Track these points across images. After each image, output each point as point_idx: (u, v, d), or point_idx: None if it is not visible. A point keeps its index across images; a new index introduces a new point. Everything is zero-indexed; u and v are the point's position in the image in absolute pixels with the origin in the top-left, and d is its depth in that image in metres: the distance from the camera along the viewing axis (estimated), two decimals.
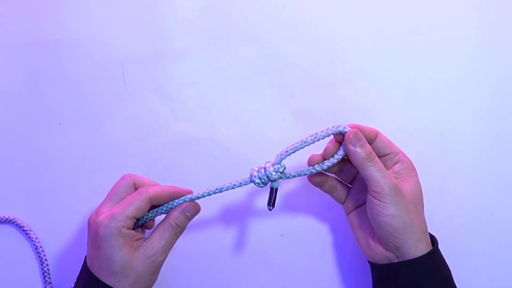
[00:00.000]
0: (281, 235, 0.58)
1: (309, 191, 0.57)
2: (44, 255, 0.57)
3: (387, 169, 0.50)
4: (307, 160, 0.52)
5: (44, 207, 0.57)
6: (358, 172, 0.52)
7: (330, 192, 0.54)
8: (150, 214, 0.50)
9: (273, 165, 0.50)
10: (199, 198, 0.50)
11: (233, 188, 0.51)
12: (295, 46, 0.58)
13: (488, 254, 0.57)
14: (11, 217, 0.57)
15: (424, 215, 0.50)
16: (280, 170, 0.50)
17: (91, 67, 0.58)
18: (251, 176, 0.50)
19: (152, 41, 0.58)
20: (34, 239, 0.57)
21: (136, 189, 0.49)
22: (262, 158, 0.57)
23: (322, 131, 0.50)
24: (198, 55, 0.58)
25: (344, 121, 0.55)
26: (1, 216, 0.57)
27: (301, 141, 0.50)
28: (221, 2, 0.58)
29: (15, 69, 0.58)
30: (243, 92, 0.58)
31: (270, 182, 0.50)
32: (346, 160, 0.52)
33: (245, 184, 0.51)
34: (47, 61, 0.58)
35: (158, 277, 0.56)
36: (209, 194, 0.50)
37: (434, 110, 0.58)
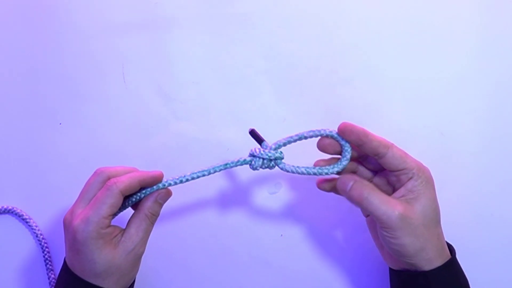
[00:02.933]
0: (281, 235, 0.58)
1: (309, 192, 0.57)
2: (45, 243, 0.57)
3: (400, 185, 0.48)
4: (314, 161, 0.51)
5: (44, 207, 0.57)
6: (375, 175, 0.51)
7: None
8: (125, 204, 0.49)
9: (274, 148, 0.50)
10: (171, 185, 0.49)
11: (230, 167, 0.50)
12: (295, 46, 0.58)
13: (488, 254, 0.57)
14: (10, 207, 0.57)
15: (439, 231, 0.48)
16: (278, 154, 0.49)
17: (91, 67, 0.58)
18: (250, 154, 0.50)
19: (152, 41, 0.58)
20: (34, 227, 0.57)
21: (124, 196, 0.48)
22: None
23: (319, 130, 0.49)
24: (198, 55, 0.58)
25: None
26: (0, 207, 0.57)
27: (299, 133, 0.49)
28: (221, 2, 0.58)
29: (15, 69, 0.58)
30: (243, 92, 0.58)
31: (271, 162, 0.50)
32: (359, 163, 0.51)
33: (240, 164, 0.50)
34: (47, 61, 0.58)
35: (158, 277, 0.57)
36: (181, 181, 0.50)
37: (434, 110, 0.58)
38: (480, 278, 0.57)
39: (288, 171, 0.50)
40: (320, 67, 0.58)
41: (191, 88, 0.58)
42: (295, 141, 0.50)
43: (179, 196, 0.58)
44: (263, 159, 0.50)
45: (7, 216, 0.57)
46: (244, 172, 0.58)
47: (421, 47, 0.58)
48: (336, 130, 0.49)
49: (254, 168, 0.50)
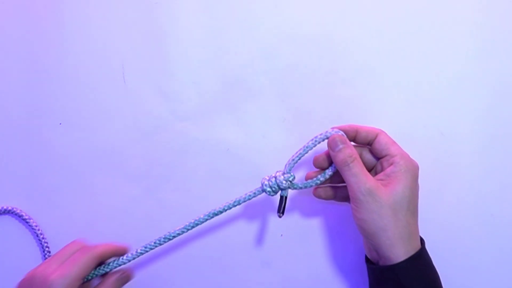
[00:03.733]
0: (281, 235, 0.58)
1: (309, 192, 0.57)
2: (46, 242, 0.57)
3: (381, 170, 0.50)
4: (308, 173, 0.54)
5: (44, 207, 0.58)
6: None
7: (333, 199, 0.54)
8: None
9: (283, 174, 0.52)
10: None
11: (248, 200, 0.53)
12: (295, 46, 0.58)
13: (488, 254, 0.57)
14: (10, 207, 0.57)
15: (409, 220, 0.49)
16: (290, 179, 0.52)
17: (91, 67, 0.58)
18: (262, 185, 0.52)
19: (152, 41, 0.58)
20: (34, 227, 0.57)
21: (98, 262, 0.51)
22: (262, 158, 0.58)
23: (321, 134, 0.51)
24: (198, 55, 0.58)
25: (344, 121, 0.55)
26: (0, 207, 0.57)
27: (304, 146, 0.52)
28: (221, 2, 0.58)
29: (15, 69, 0.58)
30: (243, 92, 0.58)
31: (280, 191, 0.52)
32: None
33: (257, 195, 0.53)
34: (47, 61, 0.58)
35: (158, 277, 0.57)
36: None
37: (434, 110, 0.58)
38: (480, 278, 0.57)
39: (298, 188, 0.53)
40: (320, 67, 0.58)
41: (191, 88, 0.58)
42: (303, 155, 0.52)
43: (179, 196, 0.58)
44: (278, 186, 0.52)
45: (7, 216, 0.58)
46: (244, 171, 0.58)
47: (421, 47, 0.58)
48: (335, 130, 0.51)
49: (271, 195, 0.52)
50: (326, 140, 0.52)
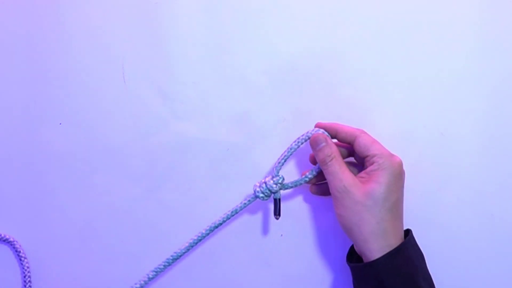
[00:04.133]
0: (281, 235, 0.58)
1: (309, 192, 0.57)
2: (27, 263, 0.57)
3: (365, 168, 0.52)
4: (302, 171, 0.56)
5: (44, 207, 0.58)
6: None
7: (329, 195, 0.54)
8: None
9: (272, 178, 0.54)
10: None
11: (243, 207, 0.55)
12: (295, 46, 0.58)
13: (488, 254, 0.57)
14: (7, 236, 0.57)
15: (384, 217, 0.49)
16: (280, 181, 0.54)
17: (91, 67, 0.58)
18: (254, 192, 0.54)
19: (152, 41, 0.58)
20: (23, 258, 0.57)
21: None
22: (262, 158, 0.58)
23: (302, 135, 0.54)
24: (198, 55, 0.58)
25: (344, 121, 0.55)
26: None
27: (288, 148, 0.54)
28: (221, 2, 0.58)
29: (15, 69, 0.58)
30: (243, 92, 0.58)
31: (272, 194, 0.54)
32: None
33: (252, 201, 0.55)
34: (47, 61, 0.58)
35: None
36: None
37: (434, 110, 0.58)
38: (480, 278, 0.57)
39: (289, 188, 0.55)
40: (320, 67, 0.58)
41: (191, 88, 0.58)
42: (288, 157, 0.54)
43: (179, 196, 0.58)
44: (269, 191, 0.54)
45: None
46: (244, 171, 0.58)
47: (421, 47, 0.58)
48: (315, 130, 0.54)
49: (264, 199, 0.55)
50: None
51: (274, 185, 0.54)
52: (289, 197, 0.58)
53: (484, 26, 0.58)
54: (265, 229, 0.58)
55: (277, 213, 0.55)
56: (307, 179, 0.55)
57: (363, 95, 0.58)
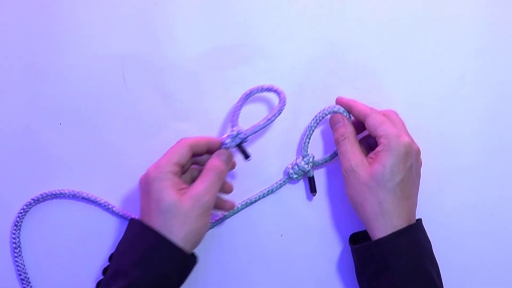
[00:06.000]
0: (281, 235, 0.58)
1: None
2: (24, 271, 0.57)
3: (373, 149, 0.53)
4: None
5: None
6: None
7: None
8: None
9: (302, 158, 0.56)
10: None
11: (278, 189, 0.57)
12: (295, 46, 0.58)
13: (488, 254, 0.57)
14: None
15: (385, 197, 0.49)
16: (310, 160, 0.56)
17: (91, 67, 0.58)
18: (288, 174, 0.56)
19: (152, 41, 0.58)
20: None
21: (193, 152, 0.52)
22: (262, 158, 0.58)
23: (320, 112, 0.55)
24: (198, 55, 0.58)
25: None
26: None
27: (307, 127, 0.55)
28: (221, 2, 0.58)
29: (15, 69, 0.58)
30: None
31: (304, 174, 0.56)
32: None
33: (286, 182, 0.57)
34: (47, 61, 0.58)
35: None
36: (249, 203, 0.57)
37: (434, 110, 0.58)
38: (480, 277, 0.57)
39: (319, 165, 0.57)
40: (320, 67, 0.58)
41: (191, 88, 0.58)
42: (311, 135, 0.55)
43: None
44: (302, 171, 0.56)
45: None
46: (244, 171, 0.58)
47: (421, 47, 0.58)
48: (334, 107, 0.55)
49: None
50: (329, 115, 0.55)
51: (306, 165, 0.55)
52: (289, 196, 0.58)
53: (484, 27, 0.58)
54: (265, 229, 0.58)
55: (313, 190, 0.56)
56: (335, 154, 0.56)
57: (363, 95, 0.57)
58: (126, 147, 0.58)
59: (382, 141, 0.51)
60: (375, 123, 0.52)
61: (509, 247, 0.57)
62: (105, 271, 0.52)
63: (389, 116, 0.54)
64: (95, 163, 0.58)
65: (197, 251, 0.55)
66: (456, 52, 0.58)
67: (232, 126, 0.54)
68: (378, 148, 0.51)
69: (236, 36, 0.58)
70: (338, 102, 0.55)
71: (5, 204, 0.57)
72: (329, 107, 0.55)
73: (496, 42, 0.58)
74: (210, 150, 0.53)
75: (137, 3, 0.58)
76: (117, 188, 0.58)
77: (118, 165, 0.58)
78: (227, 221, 0.58)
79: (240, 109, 0.54)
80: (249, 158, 0.54)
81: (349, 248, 0.55)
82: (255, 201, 0.57)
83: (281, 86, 0.58)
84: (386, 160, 0.50)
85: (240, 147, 0.54)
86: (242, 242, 0.58)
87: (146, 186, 0.50)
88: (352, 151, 0.52)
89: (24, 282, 0.56)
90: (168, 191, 0.48)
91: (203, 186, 0.50)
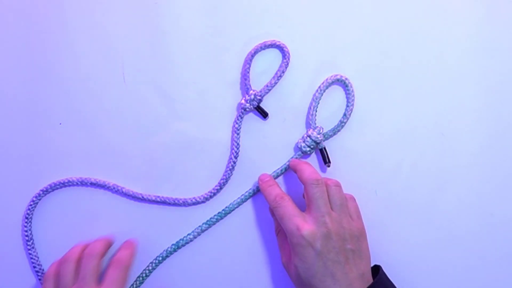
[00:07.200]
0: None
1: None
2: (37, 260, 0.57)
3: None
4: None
5: (44, 205, 0.58)
6: None
7: None
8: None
9: (313, 130, 0.56)
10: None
11: (285, 169, 0.57)
12: (295, 46, 0.58)
13: (488, 254, 0.57)
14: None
15: (318, 285, 0.49)
16: (321, 131, 0.56)
17: (91, 67, 0.58)
18: (300, 148, 0.56)
19: (152, 41, 0.58)
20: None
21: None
22: (262, 158, 0.58)
23: (322, 83, 0.57)
24: (198, 55, 0.58)
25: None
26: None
27: (312, 100, 0.57)
28: (221, 2, 0.58)
29: (15, 69, 0.58)
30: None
31: (316, 146, 0.56)
32: None
33: (300, 156, 0.57)
34: (47, 60, 0.58)
35: (157, 277, 0.57)
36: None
37: (434, 110, 0.58)
38: (480, 277, 0.57)
39: (330, 136, 0.57)
40: (320, 67, 0.58)
41: (191, 88, 0.58)
42: (317, 106, 0.56)
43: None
44: (315, 142, 0.56)
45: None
46: (243, 171, 0.58)
47: (421, 47, 0.58)
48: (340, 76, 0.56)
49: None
50: (336, 83, 0.57)
51: (318, 136, 0.55)
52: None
53: (484, 26, 0.58)
54: (265, 229, 0.58)
55: (327, 161, 0.56)
56: (343, 124, 0.57)
57: (363, 95, 0.58)
58: (126, 147, 0.58)
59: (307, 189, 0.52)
60: (280, 215, 0.51)
61: (509, 247, 0.57)
62: None
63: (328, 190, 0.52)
64: (95, 163, 0.58)
65: (197, 251, 0.55)
66: (456, 52, 0.58)
67: (247, 90, 0.56)
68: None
69: (236, 36, 0.58)
70: (291, 165, 0.55)
71: (13, 198, 0.57)
72: (332, 76, 0.56)
73: (496, 42, 0.58)
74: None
75: (137, 3, 0.58)
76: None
77: (118, 165, 0.58)
78: (226, 220, 0.57)
79: (249, 71, 0.56)
80: (267, 117, 0.57)
81: None
82: (281, 173, 0.57)
83: (281, 86, 0.58)
84: (295, 261, 0.50)
85: (259, 108, 0.56)
86: (242, 242, 0.58)
87: None
88: (282, 247, 0.54)
89: (39, 274, 0.56)
90: None
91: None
